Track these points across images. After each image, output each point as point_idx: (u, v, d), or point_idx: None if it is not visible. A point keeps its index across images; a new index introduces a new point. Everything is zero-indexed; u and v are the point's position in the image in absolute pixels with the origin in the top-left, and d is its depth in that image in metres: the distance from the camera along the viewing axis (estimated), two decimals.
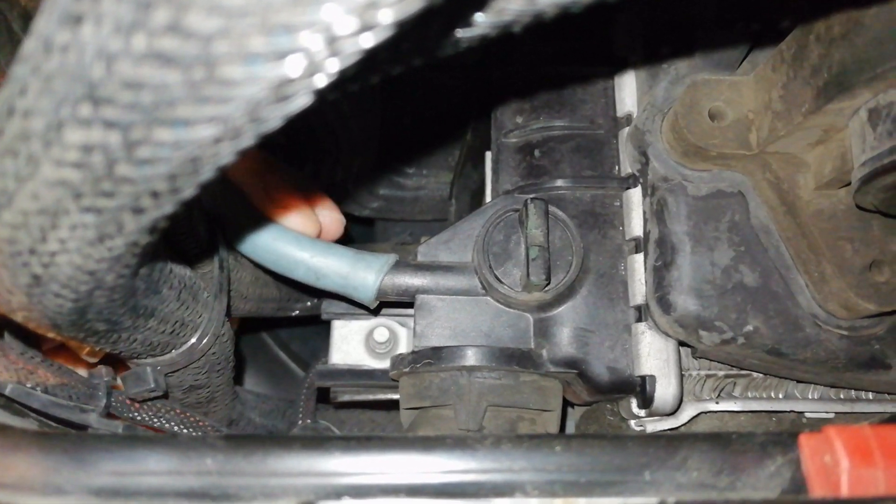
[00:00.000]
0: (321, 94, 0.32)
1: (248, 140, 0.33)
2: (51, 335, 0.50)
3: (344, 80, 0.33)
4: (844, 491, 0.35)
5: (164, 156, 0.32)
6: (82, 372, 0.67)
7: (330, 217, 0.74)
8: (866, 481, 0.35)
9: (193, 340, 0.62)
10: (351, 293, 0.65)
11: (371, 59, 0.32)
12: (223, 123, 0.30)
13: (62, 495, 0.37)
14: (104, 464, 0.38)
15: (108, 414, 0.63)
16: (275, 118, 0.32)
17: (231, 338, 0.70)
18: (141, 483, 0.38)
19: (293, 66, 0.27)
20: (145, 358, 0.61)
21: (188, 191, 0.36)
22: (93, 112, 0.30)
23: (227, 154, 0.34)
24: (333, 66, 0.28)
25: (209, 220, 0.66)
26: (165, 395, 0.67)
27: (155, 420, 0.68)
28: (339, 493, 0.37)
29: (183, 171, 0.34)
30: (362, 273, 0.64)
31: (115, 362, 0.69)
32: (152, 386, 0.62)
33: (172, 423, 0.69)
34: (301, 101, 0.31)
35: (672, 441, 0.39)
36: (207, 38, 0.27)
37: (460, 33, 0.35)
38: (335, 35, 0.27)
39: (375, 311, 0.72)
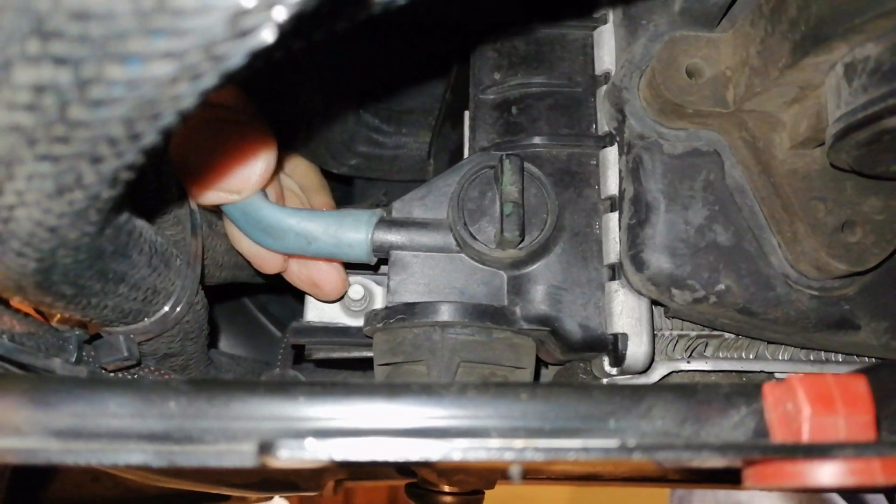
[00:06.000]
0: (286, 34, 0.32)
1: (209, 80, 0.32)
2: (17, 299, 0.49)
3: (307, 19, 0.32)
4: (805, 437, 0.35)
5: (119, 96, 0.31)
6: None
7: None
8: (827, 428, 0.35)
9: (167, 308, 0.61)
10: (346, 252, 0.64)
11: None
12: (179, 60, 0.29)
13: (20, 436, 0.36)
14: (64, 405, 0.37)
15: None
16: (236, 55, 0.31)
17: (205, 305, 0.69)
18: (101, 425, 0.37)
19: None
20: (117, 326, 0.60)
21: (148, 137, 0.35)
22: (42, 48, 0.28)
23: (187, 96, 0.33)
24: None
25: (180, 185, 0.64)
26: (138, 364, 0.66)
27: (127, 376, 0.67)
28: (302, 436, 0.36)
29: (140, 114, 0.33)
30: (352, 231, 0.63)
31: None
32: (126, 354, 0.61)
33: None
34: (262, 36, 0.31)
35: (637, 391, 0.39)
36: None
37: None
38: None
39: (375, 268, 0.72)
